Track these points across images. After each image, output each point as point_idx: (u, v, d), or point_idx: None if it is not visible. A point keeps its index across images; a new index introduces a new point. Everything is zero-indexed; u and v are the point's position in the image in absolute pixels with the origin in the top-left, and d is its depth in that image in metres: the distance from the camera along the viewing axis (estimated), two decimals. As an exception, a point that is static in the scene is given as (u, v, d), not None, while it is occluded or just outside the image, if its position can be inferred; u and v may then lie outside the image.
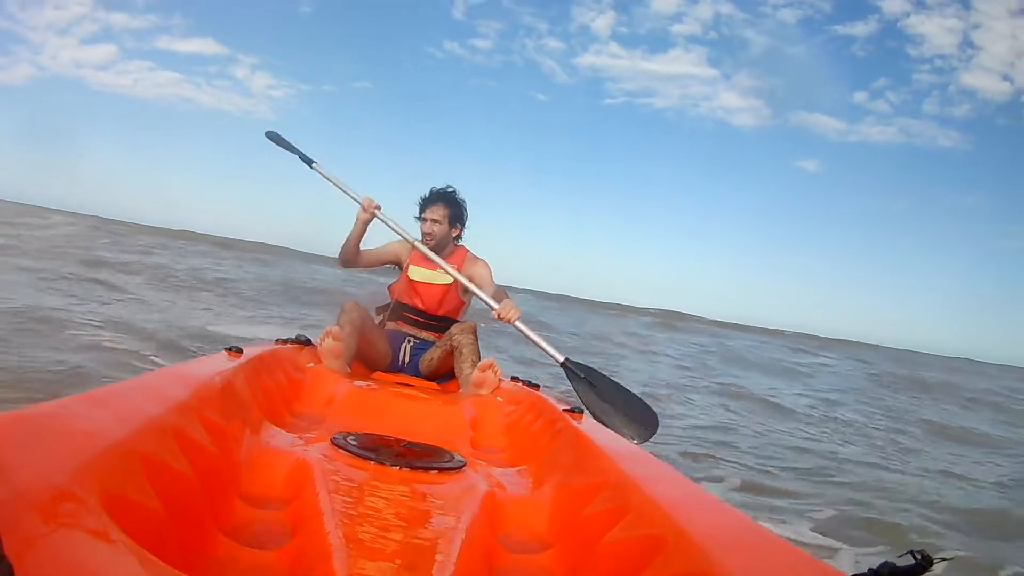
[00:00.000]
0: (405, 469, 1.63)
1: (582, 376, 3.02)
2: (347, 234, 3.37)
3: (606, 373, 3.16)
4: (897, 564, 0.87)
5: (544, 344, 3.13)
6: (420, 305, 3.48)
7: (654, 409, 3.04)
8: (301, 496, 1.42)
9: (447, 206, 3.45)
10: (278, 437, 1.82)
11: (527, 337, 3.15)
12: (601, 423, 2.48)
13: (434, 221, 3.42)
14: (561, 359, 3.09)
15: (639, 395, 3.14)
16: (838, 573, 0.93)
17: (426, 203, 3.48)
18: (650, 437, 2.87)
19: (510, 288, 3.58)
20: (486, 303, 3.22)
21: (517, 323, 3.11)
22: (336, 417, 2.21)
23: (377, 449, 1.74)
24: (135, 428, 1.11)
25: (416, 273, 3.46)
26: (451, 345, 3.29)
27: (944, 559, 0.89)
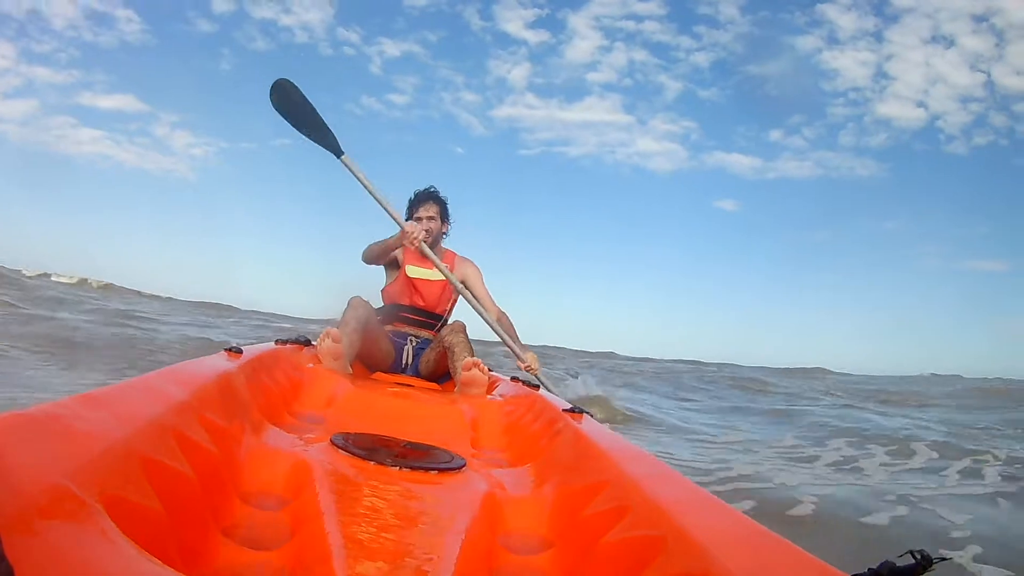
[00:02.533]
0: (405, 469, 1.63)
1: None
2: (382, 240, 3.49)
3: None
4: (897, 564, 0.87)
5: (552, 385, 3.43)
6: (420, 303, 3.54)
7: None
8: (301, 496, 1.42)
9: (437, 204, 3.60)
10: (278, 437, 1.82)
11: (542, 384, 3.28)
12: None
13: (430, 218, 3.55)
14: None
15: None
16: (838, 573, 0.93)
17: (418, 203, 3.59)
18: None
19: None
20: (512, 349, 3.48)
21: (538, 373, 3.35)
22: (336, 417, 2.21)
23: (377, 449, 1.74)
24: (135, 428, 1.11)
25: (414, 271, 3.53)
26: (443, 346, 3.33)
27: (944, 559, 0.89)
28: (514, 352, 3.53)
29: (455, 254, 3.67)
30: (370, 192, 3.44)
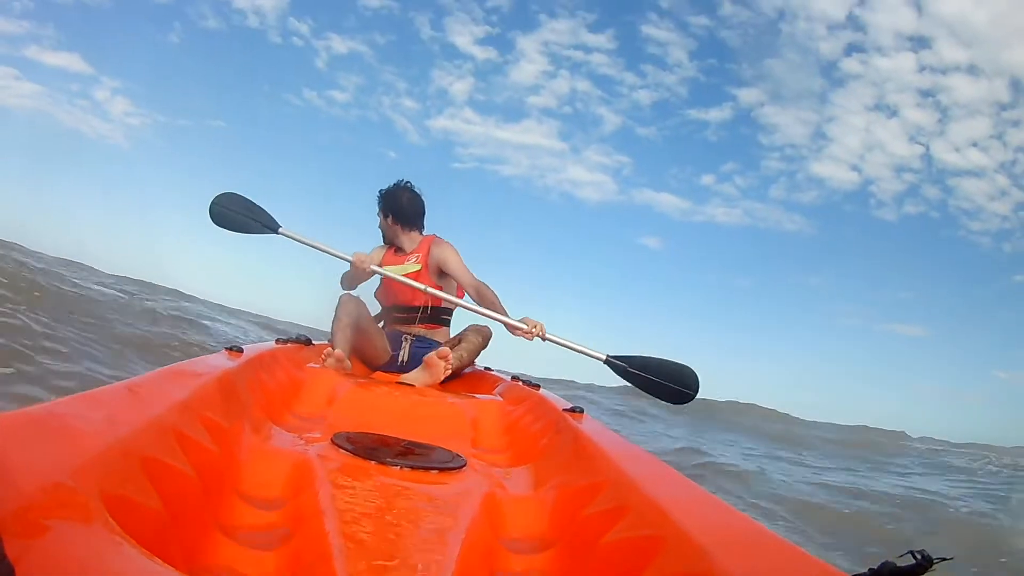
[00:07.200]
0: (405, 469, 1.63)
1: (624, 367, 3.06)
2: (349, 272, 3.46)
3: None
4: (897, 564, 0.87)
5: (582, 347, 3.12)
6: (399, 300, 3.54)
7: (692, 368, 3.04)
8: (301, 496, 1.42)
9: (378, 202, 3.65)
10: (278, 436, 1.82)
11: (564, 346, 3.09)
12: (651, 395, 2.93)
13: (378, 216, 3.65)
14: (603, 356, 3.11)
15: (675, 361, 3.07)
16: (838, 573, 0.93)
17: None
18: (695, 393, 2.98)
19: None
20: (503, 323, 3.11)
21: (549, 336, 3.06)
22: (336, 416, 2.21)
23: (377, 449, 1.74)
24: (135, 428, 1.11)
25: (388, 271, 3.51)
26: (459, 339, 3.35)
27: (944, 559, 0.89)
28: (504, 323, 3.16)
29: (432, 238, 3.61)
30: (318, 248, 3.34)
